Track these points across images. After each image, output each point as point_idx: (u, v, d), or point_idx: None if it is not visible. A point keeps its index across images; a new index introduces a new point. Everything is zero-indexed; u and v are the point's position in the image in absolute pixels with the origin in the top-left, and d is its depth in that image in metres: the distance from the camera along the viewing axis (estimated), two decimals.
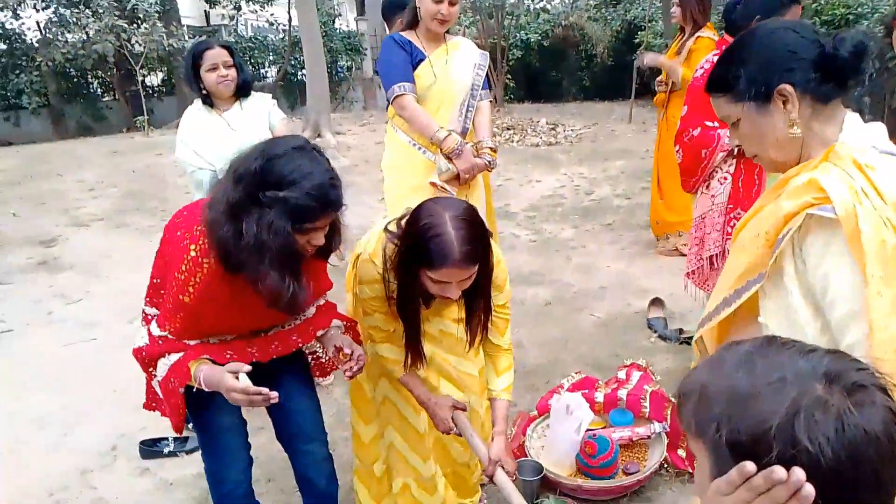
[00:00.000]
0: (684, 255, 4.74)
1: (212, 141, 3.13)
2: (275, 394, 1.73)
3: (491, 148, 3.04)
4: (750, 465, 0.79)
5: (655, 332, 3.80)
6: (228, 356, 1.86)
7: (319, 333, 2.07)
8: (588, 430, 2.68)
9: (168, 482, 2.93)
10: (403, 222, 1.96)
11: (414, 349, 2.11)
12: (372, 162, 7.17)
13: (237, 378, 1.72)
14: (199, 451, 3.04)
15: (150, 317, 1.93)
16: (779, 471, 0.77)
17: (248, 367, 1.75)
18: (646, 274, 4.61)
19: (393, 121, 3.13)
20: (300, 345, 2.05)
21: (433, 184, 2.75)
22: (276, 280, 1.70)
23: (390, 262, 1.97)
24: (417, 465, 2.35)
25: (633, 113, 9.85)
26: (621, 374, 3.04)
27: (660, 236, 4.91)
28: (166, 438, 3.15)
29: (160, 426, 3.25)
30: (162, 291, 1.88)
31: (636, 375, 2.99)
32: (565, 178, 6.95)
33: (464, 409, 2.21)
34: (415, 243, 1.85)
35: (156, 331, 1.83)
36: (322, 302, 2.12)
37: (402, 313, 2.05)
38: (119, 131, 10.68)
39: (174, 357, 1.82)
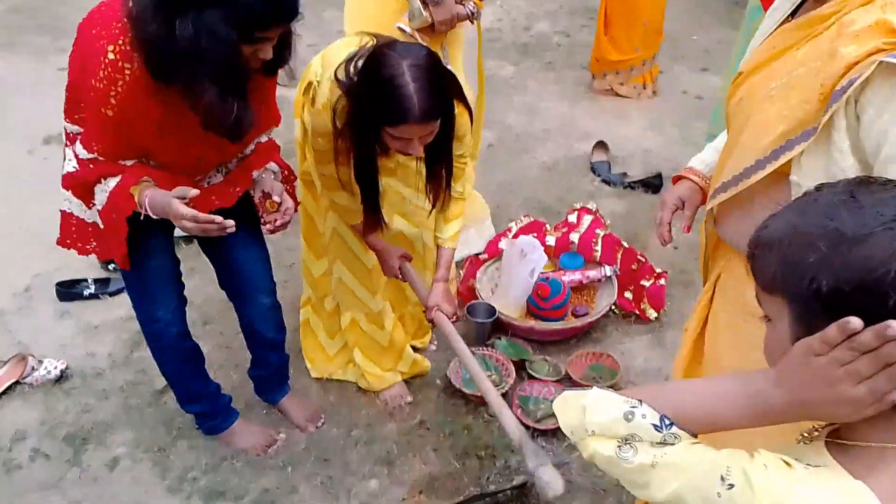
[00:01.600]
0: (619, 94, 4.66)
1: None
2: (230, 222, 1.54)
3: None
4: (856, 321, 0.68)
5: (599, 175, 3.73)
6: (170, 188, 1.63)
7: (254, 175, 1.84)
8: (540, 272, 2.64)
9: (92, 325, 2.74)
10: (355, 71, 1.71)
11: (372, 215, 1.96)
12: None
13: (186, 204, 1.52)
14: (125, 294, 2.88)
15: (72, 135, 1.65)
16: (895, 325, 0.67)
17: (196, 191, 1.53)
18: (588, 116, 4.48)
19: None
20: (240, 194, 1.82)
21: (400, 29, 2.33)
22: (216, 98, 1.45)
23: (341, 115, 1.76)
24: (365, 299, 2.28)
25: None
26: (572, 218, 2.99)
27: (597, 74, 4.75)
28: (85, 280, 2.91)
29: (77, 266, 3.01)
30: (81, 104, 1.59)
31: (587, 219, 2.94)
32: (501, 10, 6.55)
33: (410, 259, 2.17)
34: (371, 98, 1.65)
35: (83, 153, 1.56)
36: (264, 139, 1.87)
37: (360, 175, 1.87)
38: None
39: (112, 182, 1.58)
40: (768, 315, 0.81)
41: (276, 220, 1.76)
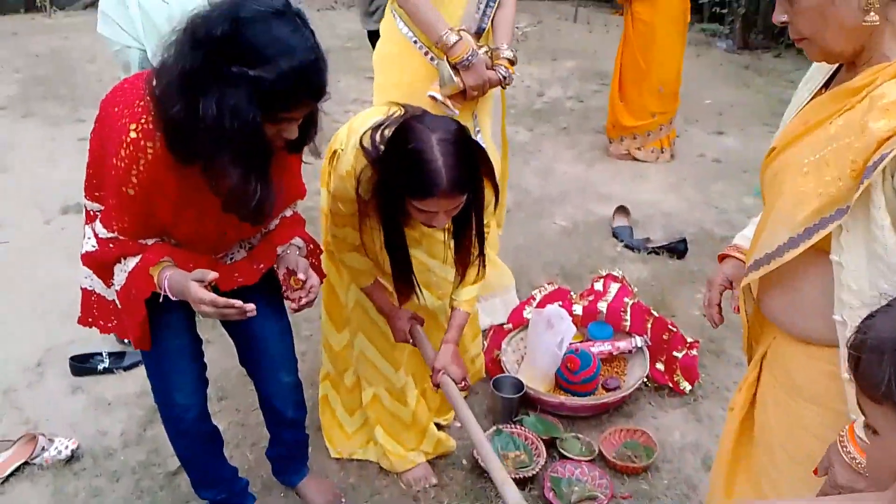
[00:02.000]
0: (637, 158, 4.66)
1: (140, 14, 2.66)
2: (251, 305, 1.47)
3: (509, 59, 2.47)
4: None
5: (621, 240, 3.67)
6: (191, 268, 1.57)
7: (279, 250, 1.78)
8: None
9: (105, 401, 2.65)
10: (382, 140, 1.70)
11: (404, 285, 1.90)
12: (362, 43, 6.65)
13: (206, 287, 1.45)
14: (140, 367, 2.80)
15: (92, 213, 1.60)
16: None
17: (215, 274, 1.47)
18: (604, 179, 4.47)
19: (393, 5, 2.48)
20: (264, 271, 1.76)
21: (432, 97, 2.29)
22: (239, 179, 1.39)
23: (367, 186, 1.73)
24: (388, 373, 2.20)
25: (578, 12, 9.49)
26: (598, 286, 2.91)
27: (613, 138, 4.75)
28: (100, 353, 2.83)
29: (91, 340, 2.94)
30: (101, 183, 1.55)
31: (614, 287, 2.86)
32: (515, 78, 6.66)
33: (422, 323, 2.09)
34: (398, 170, 1.62)
35: (102, 232, 1.51)
36: (289, 213, 1.82)
37: (389, 244, 1.83)
38: (17, 11, 9.51)
39: (132, 262, 1.52)
40: (873, 426, 0.72)
41: (300, 298, 1.68)
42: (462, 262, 1.91)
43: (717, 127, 5.28)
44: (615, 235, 3.74)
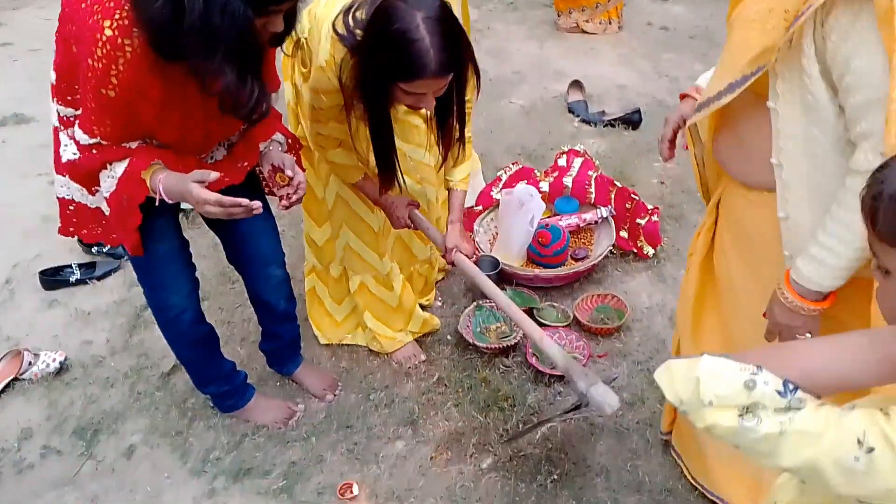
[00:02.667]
0: (586, 31, 4.62)
1: None
2: (258, 203, 1.47)
3: None
4: None
5: (578, 115, 3.71)
6: (181, 170, 1.55)
7: (261, 147, 1.75)
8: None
9: (84, 312, 2.65)
10: (356, 24, 1.64)
11: (388, 173, 1.89)
12: None
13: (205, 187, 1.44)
14: (113, 276, 2.79)
15: (66, 119, 1.54)
16: None
17: (217, 174, 1.45)
18: (557, 55, 4.43)
19: None
20: (249, 169, 1.75)
21: None
22: (234, 80, 1.36)
23: (347, 72, 1.68)
24: (374, 261, 2.25)
25: None
26: (561, 162, 2.96)
27: (562, 11, 4.68)
28: (69, 266, 2.80)
29: (57, 252, 2.90)
30: (75, 86, 1.49)
31: (577, 162, 2.92)
32: None
33: (417, 206, 2.12)
34: (383, 54, 1.57)
35: (83, 138, 1.46)
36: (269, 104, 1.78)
37: (375, 133, 1.80)
38: None
39: (119, 167, 1.48)
40: (887, 267, 0.79)
41: (289, 195, 1.68)
42: (445, 143, 1.91)
43: None
44: (571, 111, 3.77)
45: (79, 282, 2.76)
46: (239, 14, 1.27)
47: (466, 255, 2.05)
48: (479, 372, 2.30)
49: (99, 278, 2.78)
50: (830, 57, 1.16)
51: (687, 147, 1.66)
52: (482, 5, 5.12)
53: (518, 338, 2.36)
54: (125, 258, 2.86)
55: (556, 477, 1.98)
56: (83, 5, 1.36)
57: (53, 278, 2.75)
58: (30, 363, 2.34)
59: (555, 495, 1.94)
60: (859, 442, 0.73)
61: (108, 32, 1.33)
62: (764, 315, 1.43)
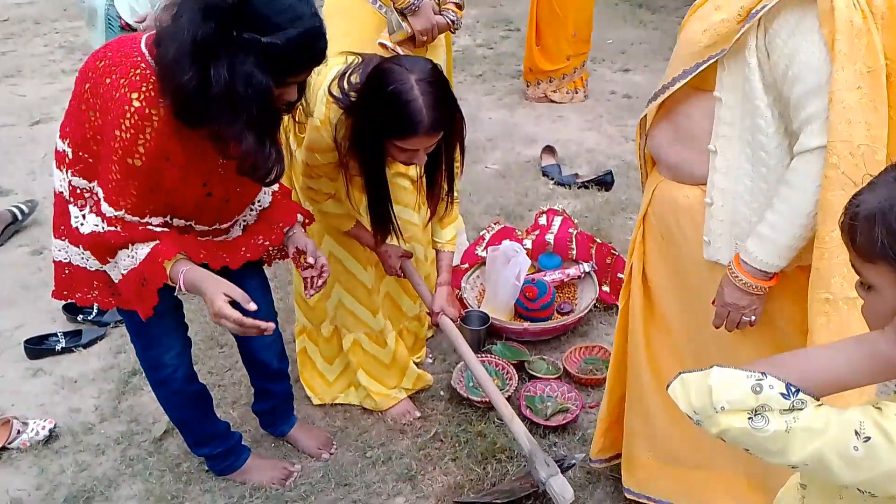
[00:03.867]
0: (553, 101, 4.84)
1: None
2: (271, 325, 1.56)
3: (456, 3, 2.55)
4: None
5: (552, 178, 3.86)
6: (202, 255, 1.61)
7: (289, 232, 1.84)
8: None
9: (70, 379, 2.62)
10: (351, 87, 1.77)
11: (384, 226, 1.99)
12: None
13: (229, 301, 1.51)
14: (98, 344, 2.77)
15: (78, 190, 1.58)
16: None
17: (255, 306, 1.53)
18: (527, 122, 4.63)
19: None
20: (269, 247, 1.82)
21: (382, 45, 2.34)
22: (254, 143, 1.44)
23: (345, 131, 1.80)
24: (367, 319, 2.30)
25: None
26: (542, 220, 3.08)
27: (531, 82, 4.92)
28: (55, 334, 2.78)
29: (39, 321, 2.88)
30: (90, 159, 1.54)
31: (557, 220, 3.04)
32: None
33: (410, 257, 2.20)
34: (379, 113, 1.69)
35: (109, 211, 1.50)
36: (275, 186, 1.87)
37: (371, 188, 1.91)
38: None
39: (143, 249, 1.53)
40: (869, 283, 0.88)
41: (314, 281, 1.79)
42: (434, 198, 2.01)
43: (622, 65, 5.54)
44: (545, 174, 3.92)
45: (64, 350, 2.73)
46: (261, 85, 1.37)
47: (453, 319, 2.14)
48: (474, 426, 2.33)
49: (85, 346, 2.76)
50: (777, 54, 1.34)
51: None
52: (453, 77, 5.33)
53: (511, 391, 2.41)
54: (111, 325, 2.85)
55: None
56: (108, 80, 1.43)
57: (38, 347, 2.72)
58: (18, 431, 2.29)
59: None
60: (857, 433, 0.82)
61: (137, 104, 1.40)
62: (713, 303, 1.57)
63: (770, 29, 1.35)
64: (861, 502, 0.91)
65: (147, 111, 1.41)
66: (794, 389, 0.86)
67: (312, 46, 1.42)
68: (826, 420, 0.84)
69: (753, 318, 1.53)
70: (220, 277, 1.56)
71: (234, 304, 1.52)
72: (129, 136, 1.42)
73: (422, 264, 2.34)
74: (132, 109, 1.40)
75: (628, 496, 2.01)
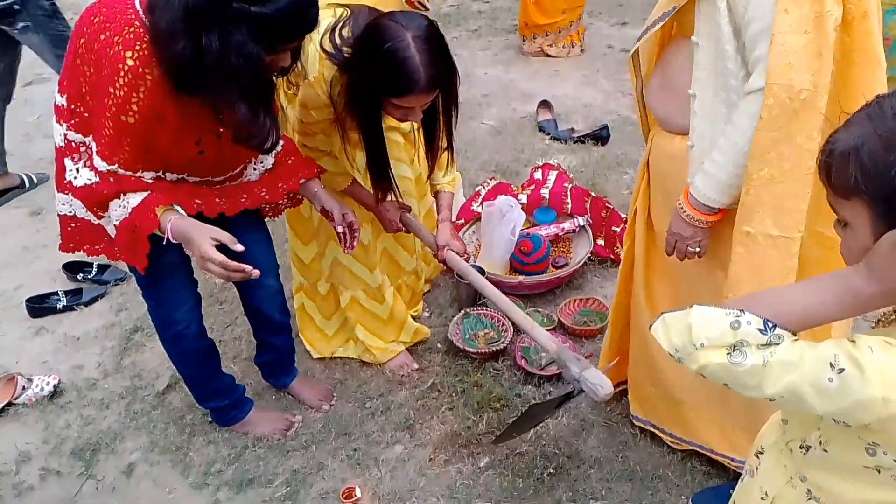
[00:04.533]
0: (549, 55, 4.80)
1: None
2: (257, 272, 1.56)
3: None
4: None
5: (548, 133, 3.85)
6: (196, 205, 1.63)
7: (313, 187, 1.90)
8: None
9: (73, 337, 2.66)
10: (343, 42, 1.74)
11: (383, 183, 2.00)
12: None
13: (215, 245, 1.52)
14: (99, 301, 2.81)
15: (74, 144, 1.60)
16: None
17: (241, 247, 1.54)
18: (523, 78, 4.60)
19: None
20: (267, 199, 1.84)
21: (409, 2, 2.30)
22: (248, 114, 1.46)
23: (340, 88, 1.79)
24: (364, 275, 2.32)
25: None
26: (537, 175, 3.09)
27: (526, 37, 4.87)
28: (56, 293, 2.81)
29: (41, 281, 2.91)
30: (85, 113, 1.55)
31: (552, 175, 3.04)
32: None
33: (409, 210, 2.21)
34: (375, 70, 1.67)
35: (101, 165, 1.51)
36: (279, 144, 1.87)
37: (368, 145, 1.91)
38: None
39: (134, 199, 1.54)
40: (845, 219, 0.90)
41: (347, 239, 1.92)
42: (433, 154, 2.02)
43: (619, 18, 5.47)
44: (541, 129, 3.91)
45: (66, 308, 2.77)
46: (253, 55, 1.38)
47: (458, 253, 2.15)
48: (470, 376, 2.38)
49: (86, 304, 2.80)
50: None
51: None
52: (448, 33, 5.25)
53: (506, 342, 2.45)
54: (112, 283, 2.89)
55: (551, 470, 2.05)
56: (102, 36, 1.43)
57: (40, 305, 2.75)
58: (23, 388, 2.35)
59: (551, 487, 2.01)
60: (831, 365, 0.84)
61: (130, 63, 1.41)
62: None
63: None
64: (837, 432, 0.95)
65: (140, 70, 1.42)
66: (770, 325, 0.88)
67: (303, 14, 1.42)
68: (801, 353, 0.87)
69: (698, 249, 1.60)
70: (208, 225, 1.58)
71: (223, 249, 1.54)
72: (122, 93, 1.43)
73: (417, 218, 2.35)
74: (126, 68, 1.41)
75: (635, 423, 2.12)
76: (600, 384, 1.69)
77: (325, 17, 1.84)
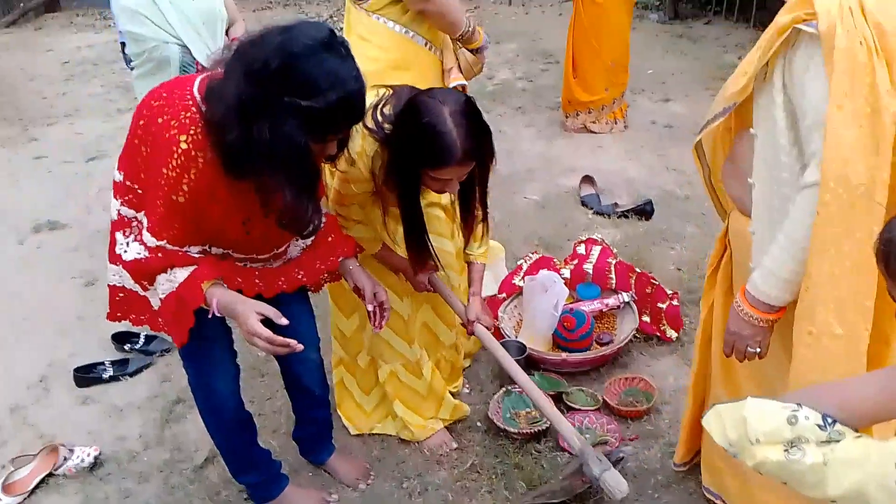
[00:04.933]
0: (593, 131, 4.84)
1: (172, 8, 2.67)
2: (301, 346, 1.59)
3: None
4: None
5: (591, 208, 3.84)
6: (238, 283, 1.67)
7: (349, 265, 1.94)
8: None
9: (117, 408, 2.68)
10: (385, 119, 1.81)
11: (421, 255, 2.02)
12: None
13: (261, 319, 1.55)
14: (145, 372, 2.84)
15: (125, 219, 1.65)
16: None
17: (286, 321, 1.57)
18: (566, 153, 4.63)
19: (370, 5, 2.28)
20: (305, 282, 1.88)
21: (458, 86, 2.36)
22: (292, 198, 1.51)
23: (381, 162, 1.85)
24: (403, 350, 2.30)
25: None
26: (580, 250, 3.06)
27: (570, 113, 4.93)
28: (102, 363, 2.86)
29: (91, 349, 2.97)
30: (139, 190, 1.62)
31: (596, 250, 3.02)
32: None
33: (437, 270, 2.20)
34: (413, 143, 1.73)
35: (150, 241, 1.56)
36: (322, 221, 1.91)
37: (406, 217, 1.95)
38: None
39: (181, 273, 1.58)
40: None
41: (378, 317, 1.94)
42: (468, 226, 2.04)
43: (663, 95, 5.51)
44: (584, 204, 3.91)
45: (112, 378, 2.81)
46: (300, 145, 1.43)
47: (487, 328, 2.15)
48: (511, 457, 2.30)
49: (131, 374, 2.83)
50: (791, 89, 1.36)
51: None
52: (493, 110, 5.38)
53: (548, 423, 2.37)
54: (158, 354, 2.93)
55: None
56: (160, 119, 1.51)
57: (87, 375, 2.80)
58: (65, 458, 2.36)
59: None
60: None
61: (184, 146, 1.47)
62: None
63: (790, 65, 1.37)
64: None
65: (193, 153, 1.49)
66: (830, 420, 0.83)
67: (352, 108, 1.48)
68: (865, 451, 0.81)
69: (759, 349, 1.54)
70: (253, 300, 1.61)
71: (268, 324, 1.56)
72: (175, 174, 1.49)
73: (455, 292, 2.34)
74: (180, 151, 1.48)
75: (707, 495, 2.04)
76: (618, 487, 1.76)
77: (369, 96, 1.90)
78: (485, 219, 2.07)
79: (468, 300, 2.21)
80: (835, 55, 1.27)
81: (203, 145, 1.48)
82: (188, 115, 1.49)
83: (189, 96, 1.51)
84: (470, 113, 1.73)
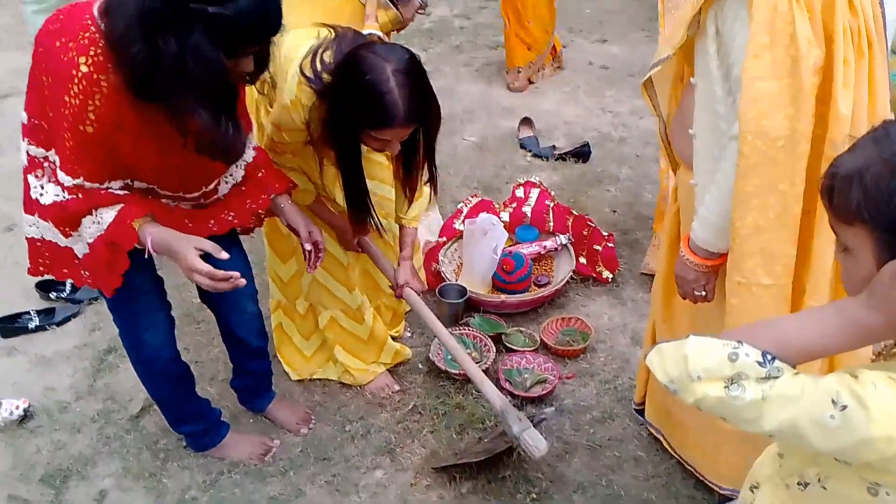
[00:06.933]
0: (533, 81, 4.76)
1: None
2: (243, 281, 1.53)
3: None
4: None
5: (529, 150, 3.85)
6: (170, 219, 1.58)
7: (280, 202, 1.85)
8: None
9: (45, 358, 2.59)
10: (323, 67, 1.71)
11: (361, 215, 1.97)
12: None
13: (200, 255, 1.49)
14: (72, 321, 2.74)
15: (36, 159, 1.53)
16: None
17: (226, 255, 1.50)
18: (505, 94, 4.59)
19: None
20: (235, 224, 1.79)
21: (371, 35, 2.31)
22: (209, 121, 1.41)
23: (317, 115, 1.75)
24: (343, 295, 2.28)
25: None
26: (519, 193, 3.07)
27: (511, 70, 4.81)
28: (28, 312, 2.74)
29: (14, 298, 2.83)
30: (46, 126, 1.49)
31: (535, 192, 3.03)
32: None
33: (367, 234, 2.17)
34: (353, 102, 1.65)
35: (67, 180, 1.46)
36: (253, 145, 1.82)
37: (346, 176, 1.89)
38: None
39: (108, 213, 1.49)
40: (847, 245, 0.88)
41: (313, 257, 1.87)
42: (410, 185, 1.99)
43: (600, 35, 5.50)
44: (523, 146, 3.90)
45: (38, 328, 2.70)
46: (210, 58, 1.32)
47: (416, 292, 2.15)
48: (452, 398, 2.34)
49: (59, 324, 2.73)
50: (725, 37, 1.37)
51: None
52: (430, 48, 5.28)
53: (489, 363, 2.42)
54: (85, 302, 2.82)
55: (535, 496, 2.02)
56: (57, 43, 1.38)
57: (11, 325, 2.68)
58: None
59: None
60: (833, 401, 0.81)
61: (84, 69, 1.35)
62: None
63: (721, 14, 1.36)
64: (836, 470, 0.92)
65: (95, 77, 1.37)
66: (770, 357, 0.85)
67: (264, 17, 1.36)
68: (802, 388, 0.83)
69: (704, 293, 1.58)
70: (189, 235, 1.54)
71: (206, 258, 1.50)
72: (78, 101, 1.38)
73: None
74: (80, 74, 1.36)
75: (649, 429, 2.15)
76: (537, 446, 1.81)
77: (310, 38, 1.81)
78: (433, 183, 2.01)
79: (398, 263, 2.19)
80: (754, 4, 1.26)
81: (105, 68, 1.36)
82: (87, 34, 1.36)
83: (87, 16, 1.38)
84: (414, 73, 1.65)
